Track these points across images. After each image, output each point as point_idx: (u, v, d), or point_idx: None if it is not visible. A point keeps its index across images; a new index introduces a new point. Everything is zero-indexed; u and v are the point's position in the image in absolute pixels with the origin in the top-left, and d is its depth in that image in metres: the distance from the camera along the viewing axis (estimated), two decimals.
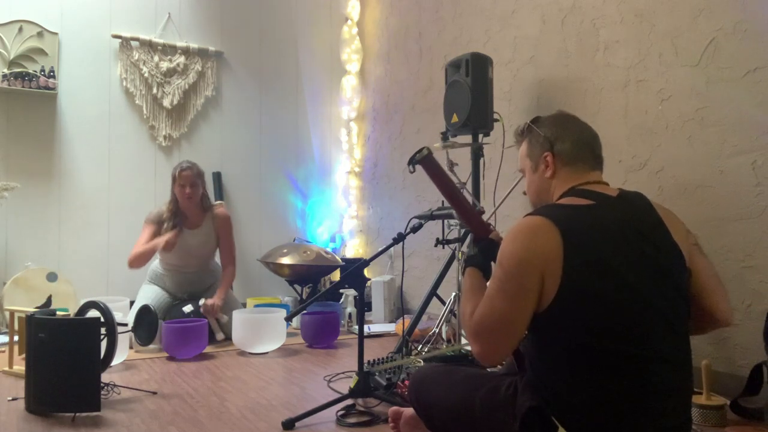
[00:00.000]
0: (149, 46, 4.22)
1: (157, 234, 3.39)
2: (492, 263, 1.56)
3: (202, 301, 3.26)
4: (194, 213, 3.46)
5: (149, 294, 3.38)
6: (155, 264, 3.54)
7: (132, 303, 3.36)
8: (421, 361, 2.41)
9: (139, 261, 3.34)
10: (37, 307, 2.98)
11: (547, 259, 1.27)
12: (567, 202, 1.41)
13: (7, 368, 2.65)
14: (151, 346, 3.08)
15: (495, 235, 1.62)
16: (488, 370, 1.80)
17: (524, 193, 1.61)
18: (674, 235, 1.37)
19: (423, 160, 1.71)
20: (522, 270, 1.28)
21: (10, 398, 2.29)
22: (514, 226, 1.35)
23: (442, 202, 2.96)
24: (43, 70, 3.85)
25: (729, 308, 1.45)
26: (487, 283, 1.47)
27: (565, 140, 1.51)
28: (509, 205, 2.97)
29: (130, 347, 2.95)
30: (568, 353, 1.29)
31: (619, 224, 1.33)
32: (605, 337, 1.26)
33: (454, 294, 2.87)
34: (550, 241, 1.28)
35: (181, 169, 3.40)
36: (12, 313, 2.64)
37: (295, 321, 3.53)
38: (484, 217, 2.76)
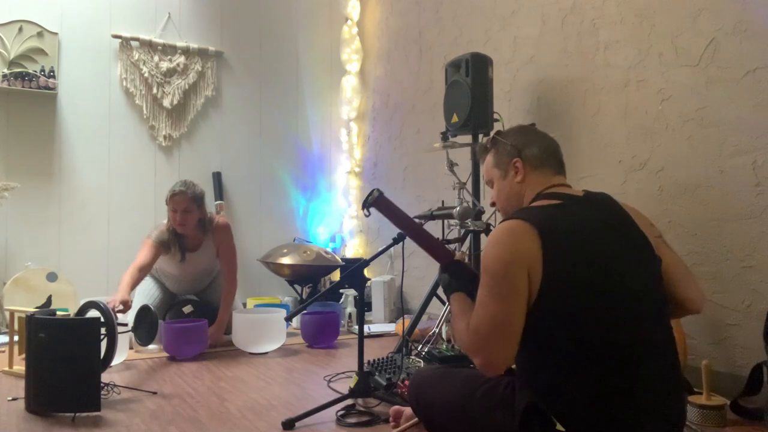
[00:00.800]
0: (149, 46, 4.22)
1: (157, 256, 3.16)
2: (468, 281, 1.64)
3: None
4: (193, 236, 3.23)
5: (150, 292, 3.38)
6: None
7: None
8: (421, 362, 2.41)
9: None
10: (37, 307, 2.98)
11: (530, 257, 1.32)
12: (537, 204, 1.48)
13: (7, 368, 2.65)
14: (151, 346, 3.07)
15: (459, 257, 1.72)
16: None
17: (492, 205, 1.68)
18: (640, 227, 1.44)
19: (375, 202, 1.80)
20: (509, 271, 1.32)
21: (10, 398, 2.29)
22: (492, 232, 1.41)
23: (443, 202, 2.97)
24: (43, 70, 3.85)
25: (699, 294, 1.50)
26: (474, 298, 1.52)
27: (533, 146, 1.59)
28: None
29: (130, 347, 2.95)
30: (556, 349, 1.32)
31: (590, 218, 1.41)
32: (591, 327, 1.30)
33: None
34: (529, 240, 1.33)
35: (173, 193, 3.10)
36: (12, 313, 2.64)
37: (295, 321, 3.53)
38: (484, 218, 2.77)
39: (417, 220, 1.84)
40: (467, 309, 1.50)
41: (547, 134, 1.66)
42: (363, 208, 1.85)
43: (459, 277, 1.65)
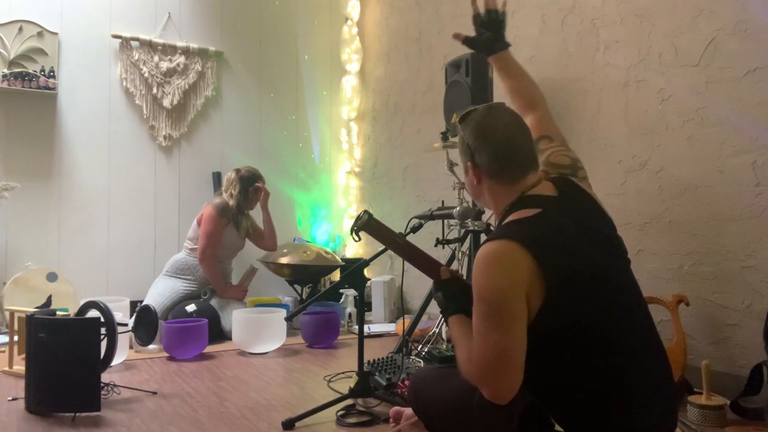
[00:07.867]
0: (149, 46, 4.22)
1: (224, 227, 3.64)
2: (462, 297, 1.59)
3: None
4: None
5: (162, 291, 3.43)
6: (182, 257, 3.66)
7: (134, 303, 3.37)
8: (421, 362, 2.41)
9: (210, 270, 3.58)
10: (37, 307, 2.98)
11: (528, 280, 1.28)
12: (516, 217, 1.40)
13: (7, 368, 2.65)
14: (151, 346, 3.07)
15: (444, 271, 1.64)
16: None
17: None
18: (605, 212, 1.49)
19: (364, 226, 1.78)
20: (509, 298, 1.28)
21: (10, 398, 2.29)
22: (479, 255, 1.34)
23: (443, 202, 2.97)
24: (43, 70, 3.85)
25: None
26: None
27: (482, 152, 1.46)
28: None
29: (130, 347, 2.95)
30: (555, 354, 1.32)
31: (571, 223, 1.39)
32: (591, 330, 1.30)
33: None
34: (523, 262, 1.28)
35: (262, 179, 3.88)
36: (12, 313, 2.64)
37: (295, 321, 3.53)
38: (484, 218, 2.77)
39: (406, 241, 1.78)
40: (467, 332, 1.45)
41: (505, 127, 1.47)
42: (351, 234, 1.79)
43: (453, 297, 1.58)
